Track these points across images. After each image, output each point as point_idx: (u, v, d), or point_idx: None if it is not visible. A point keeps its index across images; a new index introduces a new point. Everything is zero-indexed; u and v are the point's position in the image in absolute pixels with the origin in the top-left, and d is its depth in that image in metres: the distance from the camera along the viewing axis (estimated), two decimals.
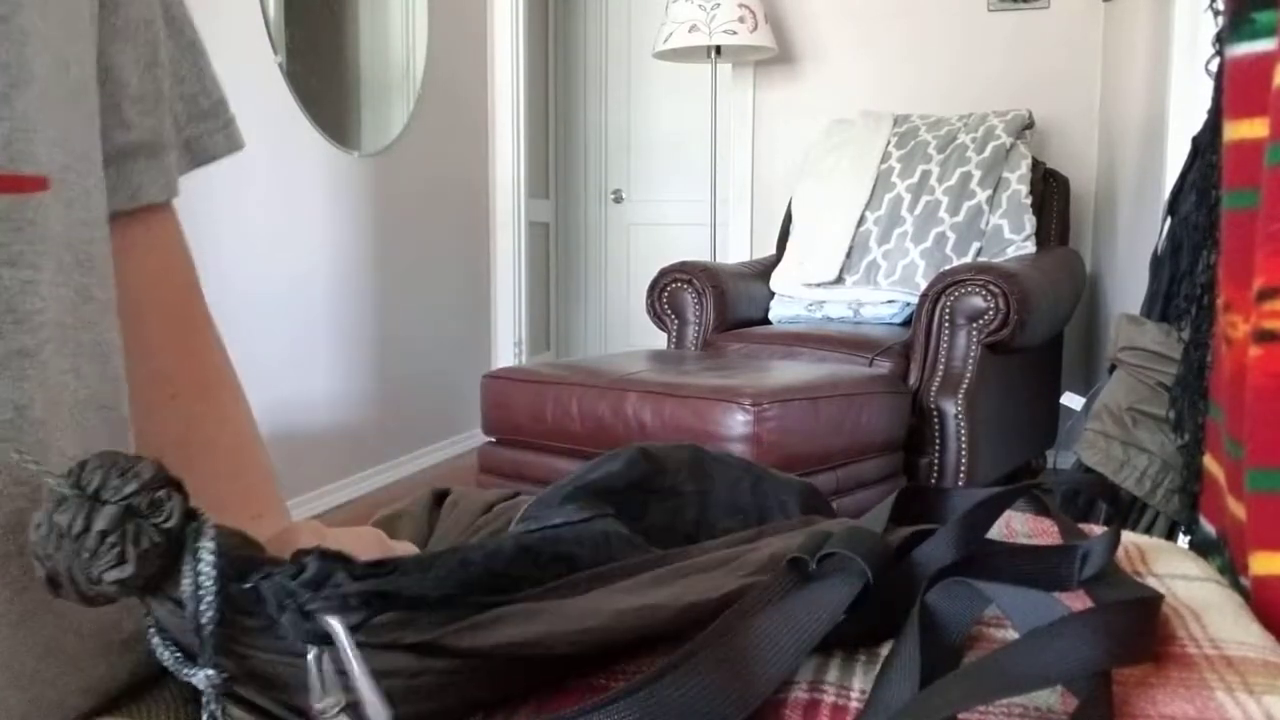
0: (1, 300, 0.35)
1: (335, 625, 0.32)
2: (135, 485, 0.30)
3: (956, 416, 2.21)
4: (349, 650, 0.31)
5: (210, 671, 0.32)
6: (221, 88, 0.56)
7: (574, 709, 0.31)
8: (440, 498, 0.61)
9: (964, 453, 2.20)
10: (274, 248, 2.51)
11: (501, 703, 0.38)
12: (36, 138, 0.36)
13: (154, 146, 0.49)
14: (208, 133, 0.54)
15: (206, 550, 0.31)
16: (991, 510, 0.43)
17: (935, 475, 2.22)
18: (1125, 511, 1.51)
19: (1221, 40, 0.95)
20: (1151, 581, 0.47)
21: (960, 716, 0.34)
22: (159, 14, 0.50)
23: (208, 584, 0.31)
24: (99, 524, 0.29)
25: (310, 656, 0.32)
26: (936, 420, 2.22)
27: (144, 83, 0.49)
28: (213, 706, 0.33)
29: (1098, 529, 0.52)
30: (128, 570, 0.29)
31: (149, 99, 0.49)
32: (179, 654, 0.33)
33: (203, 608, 0.31)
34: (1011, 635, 0.41)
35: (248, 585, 0.32)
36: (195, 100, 0.53)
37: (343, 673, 0.32)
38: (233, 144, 0.56)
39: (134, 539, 0.30)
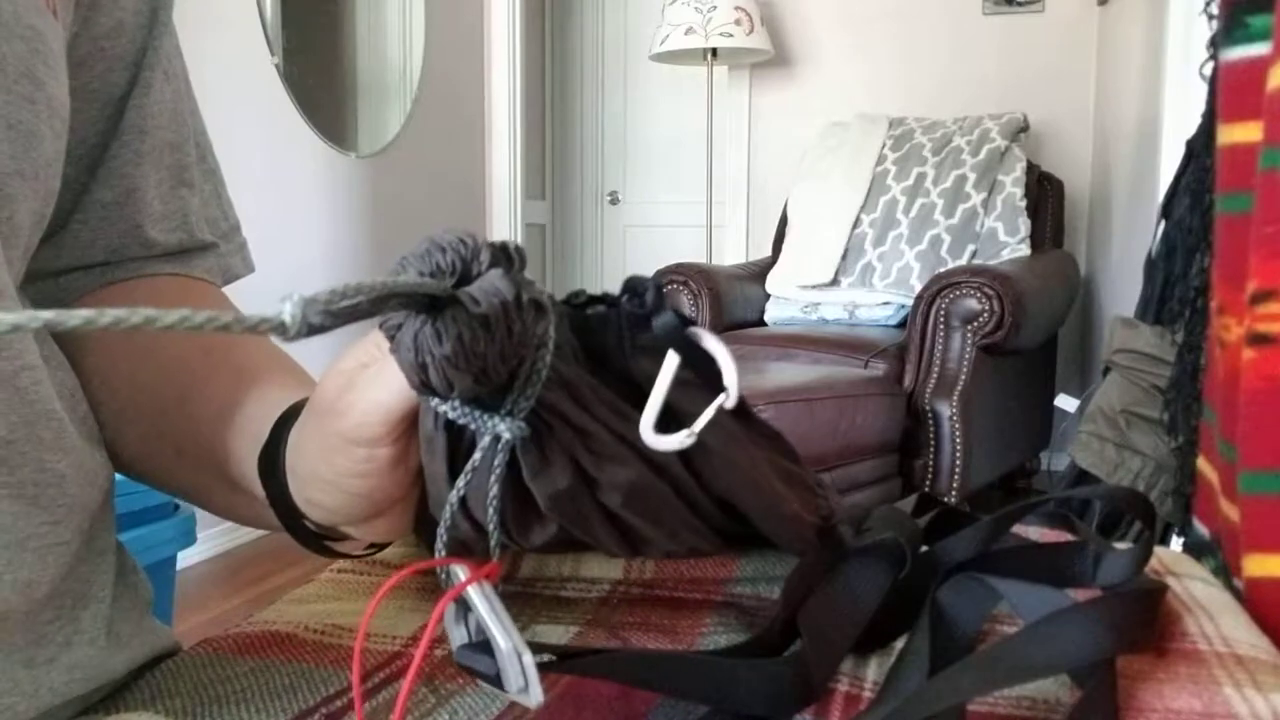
0: None
1: (701, 331, 0.32)
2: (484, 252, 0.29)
3: (951, 419, 2.22)
4: (720, 345, 0.32)
5: (524, 422, 0.30)
6: (235, 212, 0.58)
7: (667, 654, 0.33)
8: None
9: (958, 455, 2.21)
10: (271, 248, 2.51)
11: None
12: None
13: (173, 254, 0.51)
14: (229, 253, 0.56)
15: (550, 297, 0.30)
16: (1010, 517, 0.44)
17: (930, 477, 2.22)
18: (1121, 514, 1.52)
19: (1216, 44, 0.96)
20: (1169, 580, 0.47)
21: (969, 708, 0.35)
22: (190, 139, 0.52)
23: (553, 325, 0.30)
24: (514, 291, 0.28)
25: (671, 362, 0.31)
26: (931, 422, 2.23)
27: (169, 203, 0.51)
28: (498, 462, 0.30)
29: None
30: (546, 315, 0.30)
31: (175, 217, 0.51)
32: (482, 408, 0.30)
33: (541, 349, 0.30)
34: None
35: (592, 313, 0.32)
36: (216, 223, 0.55)
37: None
38: (248, 266, 0.58)
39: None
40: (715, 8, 3.14)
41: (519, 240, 3.67)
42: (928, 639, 0.35)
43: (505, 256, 0.29)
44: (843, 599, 0.38)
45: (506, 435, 0.30)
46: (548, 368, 0.30)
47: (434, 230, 0.29)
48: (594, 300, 0.34)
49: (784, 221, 3.09)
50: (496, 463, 0.31)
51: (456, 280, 0.28)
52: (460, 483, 0.31)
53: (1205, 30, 1.26)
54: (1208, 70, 1.23)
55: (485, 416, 0.30)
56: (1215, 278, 0.60)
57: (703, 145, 4.03)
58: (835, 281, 2.81)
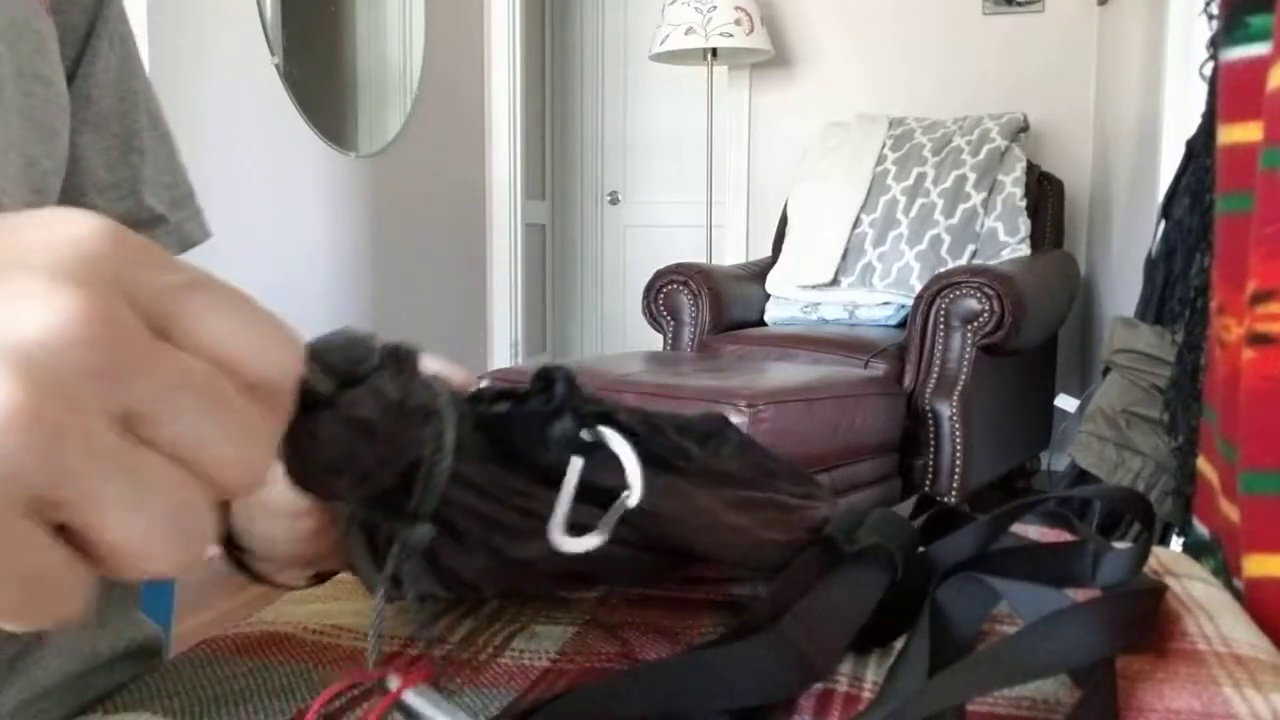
0: None
1: (609, 432, 0.32)
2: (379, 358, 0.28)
3: (951, 418, 2.22)
4: (625, 447, 0.32)
5: (429, 525, 0.30)
6: (189, 178, 0.57)
7: (649, 662, 0.33)
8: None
9: (958, 455, 2.21)
10: (270, 248, 2.51)
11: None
12: None
13: (131, 227, 0.50)
14: (185, 220, 0.55)
15: (448, 401, 0.30)
16: (1008, 516, 0.44)
17: (930, 477, 2.22)
18: (1121, 514, 1.52)
19: (1216, 44, 0.96)
20: (1170, 581, 0.47)
21: (969, 708, 0.35)
22: (139, 104, 0.51)
23: (449, 430, 0.29)
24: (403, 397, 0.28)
25: (575, 466, 0.31)
26: (931, 422, 2.23)
27: (115, 171, 0.50)
28: (409, 566, 0.30)
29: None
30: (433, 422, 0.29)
31: (124, 185, 0.50)
32: (386, 513, 0.30)
33: (439, 455, 0.29)
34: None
35: (496, 412, 0.32)
36: (169, 189, 0.54)
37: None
38: (204, 233, 0.57)
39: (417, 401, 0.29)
40: (715, 8, 3.14)
41: (519, 240, 3.67)
42: (927, 639, 0.35)
43: (396, 359, 0.29)
44: (831, 606, 0.38)
45: (412, 540, 0.30)
46: (447, 473, 0.29)
47: (328, 331, 0.28)
48: (502, 395, 0.33)
49: (784, 221, 3.09)
50: (409, 559, 0.31)
51: (342, 381, 0.27)
52: (382, 581, 0.31)
53: (1205, 30, 1.26)
54: (1208, 70, 1.23)
55: (392, 517, 0.30)
56: (1215, 278, 0.60)
57: (703, 145, 4.03)
58: (835, 281, 2.80)
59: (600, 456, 0.33)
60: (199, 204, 0.57)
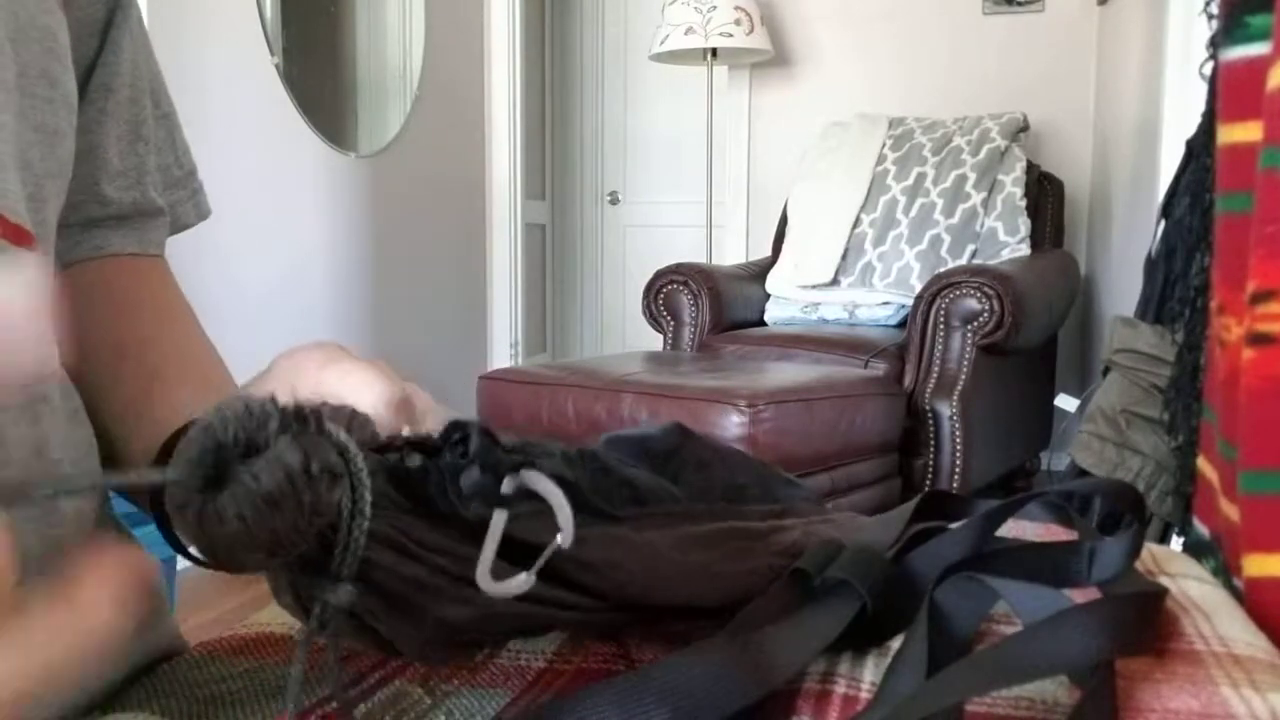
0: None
1: (534, 475, 0.31)
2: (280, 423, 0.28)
3: (951, 418, 2.22)
4: (553, 488, 0.31)
5: (350, 587, 0.29)
6: (192, 157, 0.56)
7: (600, 683, 0.32)
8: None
9: (959, 454, 2.21)
10: (270, 248, 2.51)
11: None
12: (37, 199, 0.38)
13: (127, 217, 0.50)
14: (179, 201, 0.55)
15: (361, 459, 0.29)
16: (1004, 511, 0.44)
17: (930, 477, 2.22)
18: (1122, 514, 1.52)
19: (1215, 44, 0.95)
20: (1164, 580, 0.47)
21: (968, 708, 0.35)
22: (146, 89, 0.51)
23: (364, 491, 0.29)
24: (310, 462, 0.27)
25: (498, 519, 0.31)
26: (931, 422, 2.23)
27: (126, 159, 0.50)
28: (332, 629, 0.30)
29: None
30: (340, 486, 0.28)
31: (131, 174, 0.50)
32: (307, 574, 0.30)
33: (357, 518, 0.29)
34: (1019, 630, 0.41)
35: (411, 466, 0.31)
36: (169, 170, 0.54)
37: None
38: (200, 213, 0.57)
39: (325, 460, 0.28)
40: (715, 8, 3.14)
41: (519, 240, 3.67)
42: (925, 639, 0.35)
43: (300, 419, 0.28)
44: (791, 633, 0.37)
45: (333, 602, 0.29)
46: (364, 534, 0.29)
47: (228, 400, 0.28)
48: (415, 446, 0.33)
49: (784, 221, 3.09)
50: (332, 620, 0.30)
51: (243, 451, 0.27)
52: (303, 642, 0.31)
53: (1205, 30, 1.26)
54: (1208, 70, 1.23)
55: (312, 580, 0.29)
56: (1215, 278, 0.60)
57: (703, 145, 4.03)
58: (835, 281, 2.80)
59: (528, 509, 0.32)
60: (198, 183, 0.57)
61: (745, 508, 0.46)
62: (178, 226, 0.55)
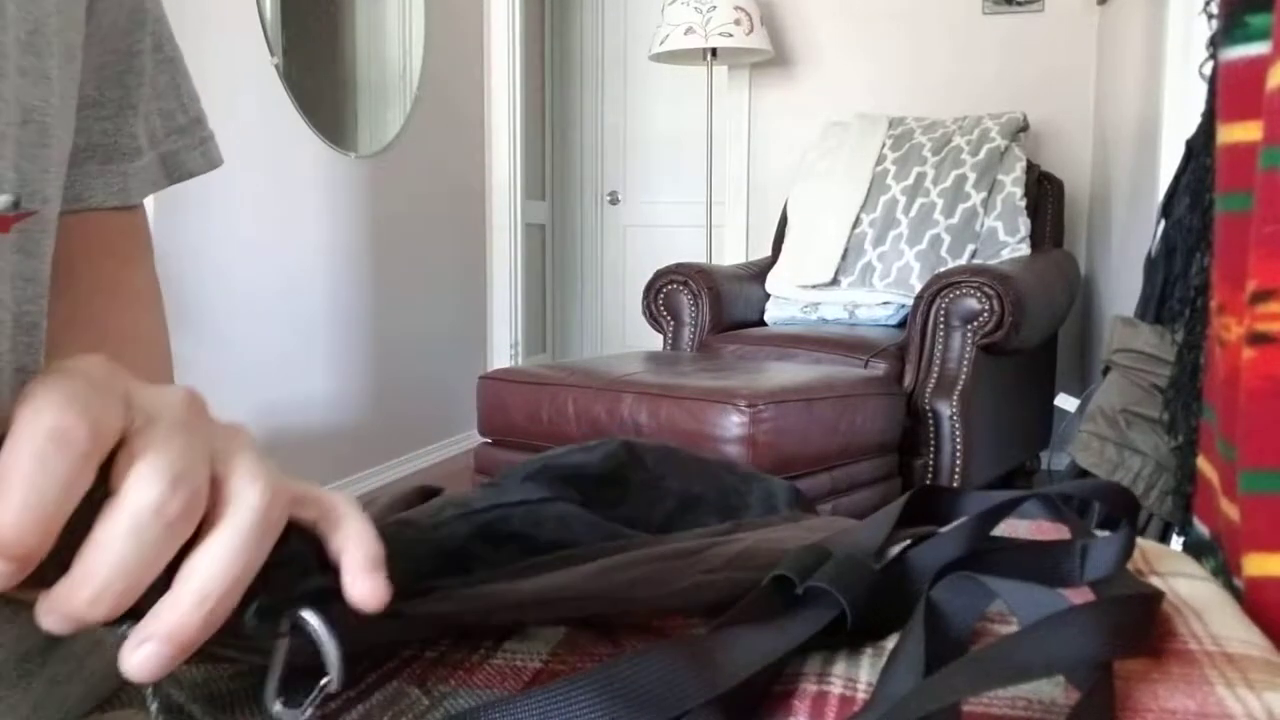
0: (29, 318, 0.36)
1: (308, 616, 0.31)
2: None
3: (951, 418, 2.22)
4: (324, 634, 0.31)
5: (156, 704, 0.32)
6: (200, 105, 0.55)
7: (538, 690, 0.32)
8: (427, 495, 0.60)
9: (959, 454, 2.21)
10: (270, 249, 2.51)
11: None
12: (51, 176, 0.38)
13: (108, 152, 0.49)
14: (184, 148, 0.54)
15: None
16: (999, 511, 0.44)
17: (930, 477, 2.22)
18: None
19: (1215, 43, 0.95)
20: (1154, 580, 0.47)
21: (965, 708, 0.34)
22: (146, 25, 0.50)
23: None
24: None
25: (280, 648, 0.31)
26: (931, 422, 2.23)
27: (105, 90, 0.48)
28: None
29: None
30: None
31: (109, 105, 0.48)
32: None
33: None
34: (1016, 630, 0.41)
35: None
36: (172, 116, 0.53)
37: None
38: (210, 161, 0.56)
39: None
40: (715, 8, 3.14)
41: (519, 240, 3.67)
42: (922, 639, 0.35)
43: None
44: (752, 641, 0.37)
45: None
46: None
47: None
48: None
49: (784, 221, 3.09)
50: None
51: None
52: None
53: (1205, 30, 1.26)
54: (1207, 70, 1.23)
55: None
56: (1215, 277, 0.60)
57: (703, 145, 4.03)
58: (835, 281, 2.80)
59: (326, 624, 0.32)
60: (208, 131, 0.55)
61: (680, 534, 0.46)
62: (182, 174, 0.54)
